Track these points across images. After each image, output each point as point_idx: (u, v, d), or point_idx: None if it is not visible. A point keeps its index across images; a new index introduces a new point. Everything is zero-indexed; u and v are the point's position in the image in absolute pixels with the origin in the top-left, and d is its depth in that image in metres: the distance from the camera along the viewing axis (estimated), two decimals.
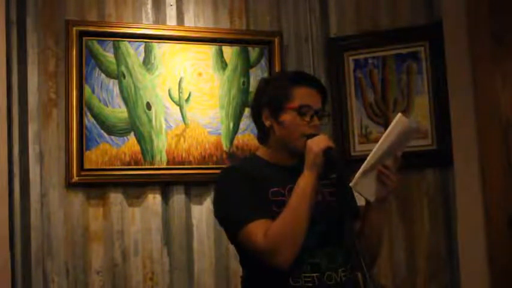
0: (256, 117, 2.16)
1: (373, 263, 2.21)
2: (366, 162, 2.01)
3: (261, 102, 2.14)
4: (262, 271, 2.01)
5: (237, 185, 2.05)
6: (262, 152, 2.17)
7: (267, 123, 2.12)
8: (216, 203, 2.14)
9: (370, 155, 2.01)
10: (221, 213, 2.10)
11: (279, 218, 1.96)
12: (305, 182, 1.99)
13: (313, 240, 2.00)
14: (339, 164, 2.05)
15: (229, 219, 2.06)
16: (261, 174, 2.07)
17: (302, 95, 2.09)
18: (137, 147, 3.25)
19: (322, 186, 2.10)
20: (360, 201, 2.17)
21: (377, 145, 2.01)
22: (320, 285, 2.00)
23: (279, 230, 1.95)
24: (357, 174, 2.01)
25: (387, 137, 2.01)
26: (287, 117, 2.08)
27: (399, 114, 2.04)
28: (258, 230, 1.95)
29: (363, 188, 2.04)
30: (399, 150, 2.06)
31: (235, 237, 2.03)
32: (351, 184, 2.02)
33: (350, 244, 2.00)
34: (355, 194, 2.13)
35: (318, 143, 2.01)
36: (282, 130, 2.09)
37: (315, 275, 2.01)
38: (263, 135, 2.16)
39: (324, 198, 2.11)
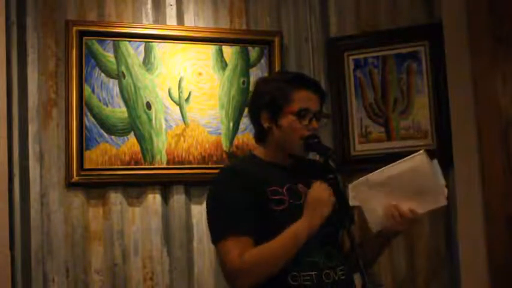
0: (254, 118, 2.17)
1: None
2: (369, 175, 2.03)
3: (259, 103, 2.14)
4: None
5: (226, 192, 2.06)
6: (259, 151, 2.18)
7: (266, 125, 2.12)
8: (206, 205, 2.14)
9: (377, 172, 2.03)
10: (208, 217, 2.12)
11: (261, 247, 1.97)
12: (298, 228, 1.99)
13: (312, 240, 2.00)
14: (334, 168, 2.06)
15: (212, 228, 2.08)
16: (259, 174, 2.08)
17: (301, 99, 2.09)
18: (137, 147, 3.25)
19: None
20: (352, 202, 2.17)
21: (387, 166, 2.02)
22: (318, 284, 2.00)
23: (257, 260, 1.96)
24: (359, 180, 2.04)
25: (399, 164, 2.02)
26: (286, 120, 2.09)
27: (421, 151, 2.04)
28: (234, 248, 1.96)
29: (369, 214, 2.06)
30: (420, 203, 2.07)
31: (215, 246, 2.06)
32: (350, 191, 2.04)
33: (350, 245, 2.01)
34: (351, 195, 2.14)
35: (322, 205, 2.00)
36: (281, 133, 2.10)
37: (313, 273, 2.01)
38: (261, 135, 2.17)
39: None
